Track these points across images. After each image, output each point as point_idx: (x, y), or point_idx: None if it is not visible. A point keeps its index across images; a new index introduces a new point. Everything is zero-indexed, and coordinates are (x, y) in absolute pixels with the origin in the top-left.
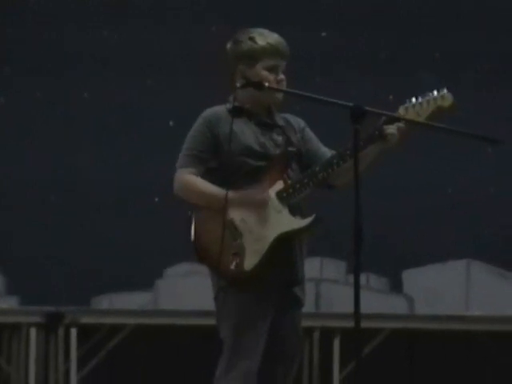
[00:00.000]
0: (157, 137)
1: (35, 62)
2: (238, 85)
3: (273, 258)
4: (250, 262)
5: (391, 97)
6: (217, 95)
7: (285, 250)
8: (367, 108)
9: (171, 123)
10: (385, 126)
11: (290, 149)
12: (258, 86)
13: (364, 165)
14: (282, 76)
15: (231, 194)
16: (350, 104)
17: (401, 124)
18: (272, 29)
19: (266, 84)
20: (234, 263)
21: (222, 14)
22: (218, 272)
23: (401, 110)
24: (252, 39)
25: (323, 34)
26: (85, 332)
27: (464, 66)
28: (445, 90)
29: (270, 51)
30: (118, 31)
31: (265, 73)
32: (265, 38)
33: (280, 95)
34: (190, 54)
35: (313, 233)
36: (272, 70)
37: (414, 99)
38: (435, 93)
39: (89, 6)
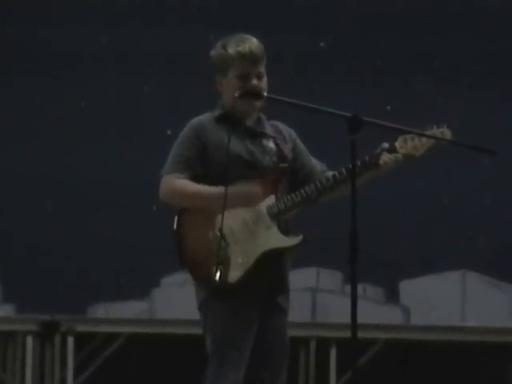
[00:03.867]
0: (159, 138)
1: (35, 62)
2: (236, 94)
3: (258, 269)
4: (234, 274)
5: (389, 107)
6: (216, 97)
7: (270, 261)
8: (365, 118)
9: (169, 131)
10: (382, 155)
11: (282, 165)
12: (257, 95)
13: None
14: (255, 81)
15: (228, 189)
16: (348, 114)
17: (399, 155)
18: (270, 32)
19: (265, 94)
20: (217, 274)
21: (223, 18)
22: (199, 280)
23: (399, 141)
24: (224, 47)
25: (321, 43)
26: (80, 340)
27: (463, 67)
28: (445, 127)
29: (239, 59)
30: (118, 31)
31: (235, 81)
32: (236, 45)
33: (259, 103)
34: (190, 55)
35: (298, 252)
36: (243, 77)
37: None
38: (435, 128)
39: (89, 6)
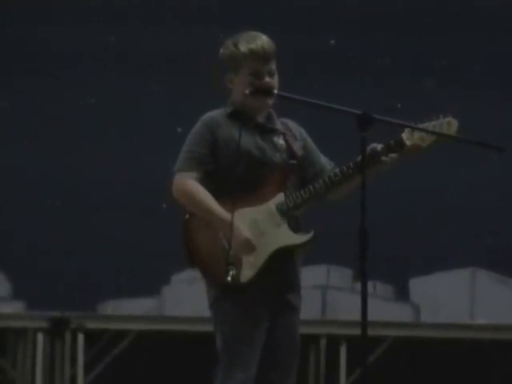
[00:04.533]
0: (159, 138)
1: (35, 62)
2: (247, 92)
3: (269, 267)
4: (246, 273)
5: (399, 105)
6: (221, 96)
7: (281, 259)
8: (375, 116)
9: (179, 129)
10: (382, 155)
11: (291, 161)
12: (267, 92)
13: (358, 183)
14: (267, 79)
15: (233, 219)
16: (358, 112)
17: (394, 155)
18: (270, 32)
19: (275, 91)
20: (230, 274)
21: (225, 17)
22: (212, 280)
23: (406, 133)
24: (235, 45)
25: (332, 41)
26: (90, 337)
27: (463, 67)
28: (451, 117)
29: (252, 57)
30: (118, 31)
31: (249, 78)
32: (247, 43)
33: (270, 100)
34: (191, 55)
35: (309, 248)
36: (256, 74)
37: (419, 123)
38: (441, 118)
39: (89, 6)
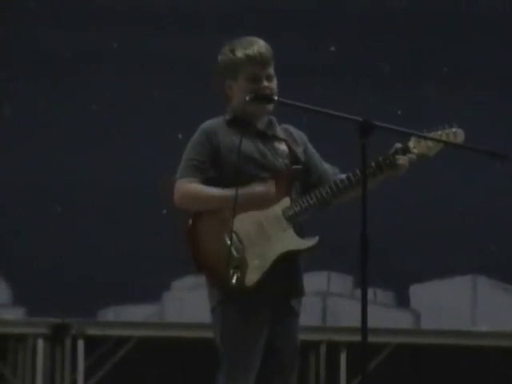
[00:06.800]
0: (159, 144)
1: (36, 66)
2: (248, 98)
3: (274, 272)
4: (251, 277)
5: (399, 112)
6: (220, 100)
7: (285, 263)
8: (376, 123)
9: (180, 136)
10: (397, 156)
11: (296, 166)
12: (268, 99)
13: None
14: (265, 83)
15: (240, 190)
16: (360, 119)
17: (412, 156)
18: (271, 36)
19: (276, 97)
20: (235, 277)
21: (227, 24)
22: (217, 284)
23: (413, 141)
24: (232, 51)
25: (332, 48)
26: (91, 343)
27: (463, 68)
28: (456, 127)
29: (249, 62)
30: (120, 36)
31: (246, 84)
32: (244, 48)
33: (271, 106)
34: (192, 61)
35: (314, 253)
36: (254, 79)
37: (425, 132)
38: (447, 128)
39: (90, 11)
